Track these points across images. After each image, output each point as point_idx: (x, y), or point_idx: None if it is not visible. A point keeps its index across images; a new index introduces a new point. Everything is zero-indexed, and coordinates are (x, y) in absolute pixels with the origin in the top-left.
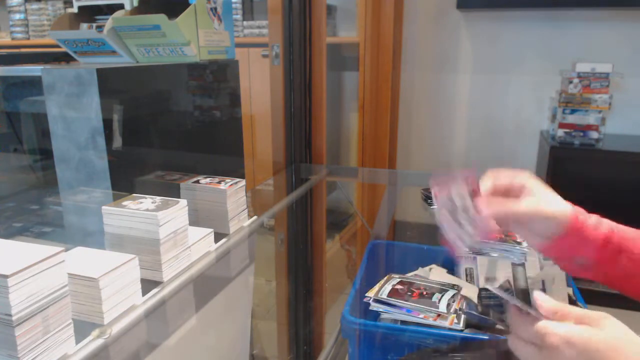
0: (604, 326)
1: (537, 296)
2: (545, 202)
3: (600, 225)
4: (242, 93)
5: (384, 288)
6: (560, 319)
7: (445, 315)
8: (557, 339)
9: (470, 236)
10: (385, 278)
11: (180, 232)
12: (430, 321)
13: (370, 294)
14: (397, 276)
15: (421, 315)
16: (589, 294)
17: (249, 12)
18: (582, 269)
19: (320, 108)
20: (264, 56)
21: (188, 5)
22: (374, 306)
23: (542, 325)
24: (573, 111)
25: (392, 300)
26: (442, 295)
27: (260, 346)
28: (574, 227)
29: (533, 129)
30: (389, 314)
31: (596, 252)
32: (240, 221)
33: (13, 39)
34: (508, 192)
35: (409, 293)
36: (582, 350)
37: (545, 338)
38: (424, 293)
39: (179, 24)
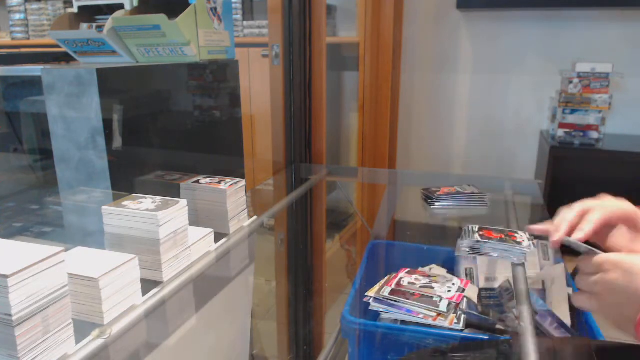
0: None
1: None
2: None
3: None
4: (242, 93)
5: (384, 288)
6: None
7: (445, 315)
8: (608, 263)
9: None
10: (386, 278)
11: (180, 232)
12: (430, 321)
13: (371, 293)
14: (400, 274)
15: (421, 315)
16: None
17: (249, 12)
18: None
19: (320, 108)
20: (264, 56)
21: (188, 5)
22: (374, 306)
23: (599, 256)
24: (573, 111)
25: (392, 299)
26: (443, 289)
27: (260, 346)
28: None
29: (533, 129)
30: (389, 314)
31: None
32: (240, 221)
33: (13, 39)
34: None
35: (411, 292)
36: (627, 269)
37: (602, 265)
38: (427, 283)
39: (179, 24)
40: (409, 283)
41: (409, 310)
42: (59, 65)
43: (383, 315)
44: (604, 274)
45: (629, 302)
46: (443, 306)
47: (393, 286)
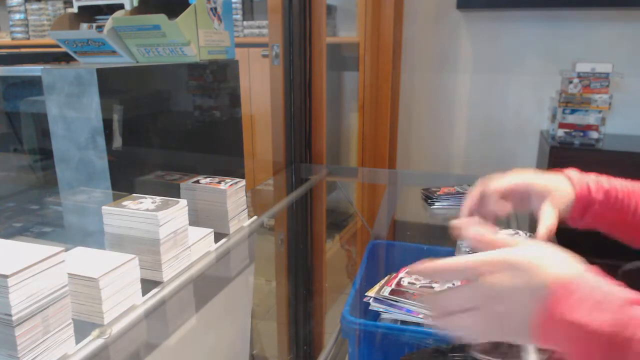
0: (523, 246)
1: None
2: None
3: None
4: (242, 93)
5: (384, 288)
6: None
7: None
8: (488, 265)
9: None
10: (386, 278)
11: (180, 232)
12: (430, 321)
13: (371, 293)
14: (400, 274)
15: (421, 315)
16: None
17: (249, 12)
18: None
19: (320, 108)
20: (264, 56)
21: (188, 5)
22: (374, 306)
23: (463, 261)
24: (573, 111)
25: (392, 299)
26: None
27: (260, 346)
28: (579, 198)
29: (533, 129)
30: (389, 314)
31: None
32: (240, 221)
33: (13, 39)
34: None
35: (411, 292)
36: (519, 267)
37: (476, 270)
38: (427, 283)
39: (179, 24)
40: (409, 283)
41: (409, 310)
42: (59, 65)
43: (383, 315)
44: (485, 279)
45: (516, 306)
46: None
47: (393, 286)
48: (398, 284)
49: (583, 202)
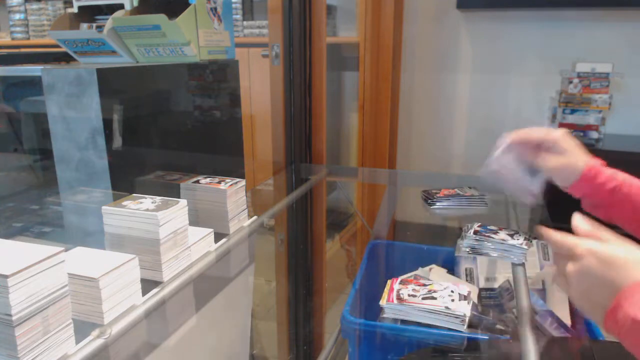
0: (624, 246)
1: (576, 219)
2: (566, 159)
3: (612, 177)
4: (242, 93)
5: (401, 292)
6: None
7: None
8: (583, 250)
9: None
10: (386, 291)
11: (180, 232)
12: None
13: (383, 302)
14: (394, 285)
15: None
16: None
17: (249, 12)
18: (594, 208)
19: (320, 108)
20: (264, 56)
21: (188, 5)
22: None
23: (572, 240)
24: (573, 111)
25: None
26: (446, 298)
27: (260, 346)
28: (586, 176)
29: None
30: (408, 317)
31: (603, 198)
32: (240, 221)
33: (13, 39)
34: (540, 145)
35: (418, 307)
36: (602, 258)
37: (575, 250)
38: (427, 294)
39: (179, 24)
40: (409, 295)
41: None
42: (59, 65)
43: (383, 315)
44: (578, 259)
45: (600, 291)
46: (454, 317)
47: (395, 300)
48: (399, 297)
49: (591, 172)
